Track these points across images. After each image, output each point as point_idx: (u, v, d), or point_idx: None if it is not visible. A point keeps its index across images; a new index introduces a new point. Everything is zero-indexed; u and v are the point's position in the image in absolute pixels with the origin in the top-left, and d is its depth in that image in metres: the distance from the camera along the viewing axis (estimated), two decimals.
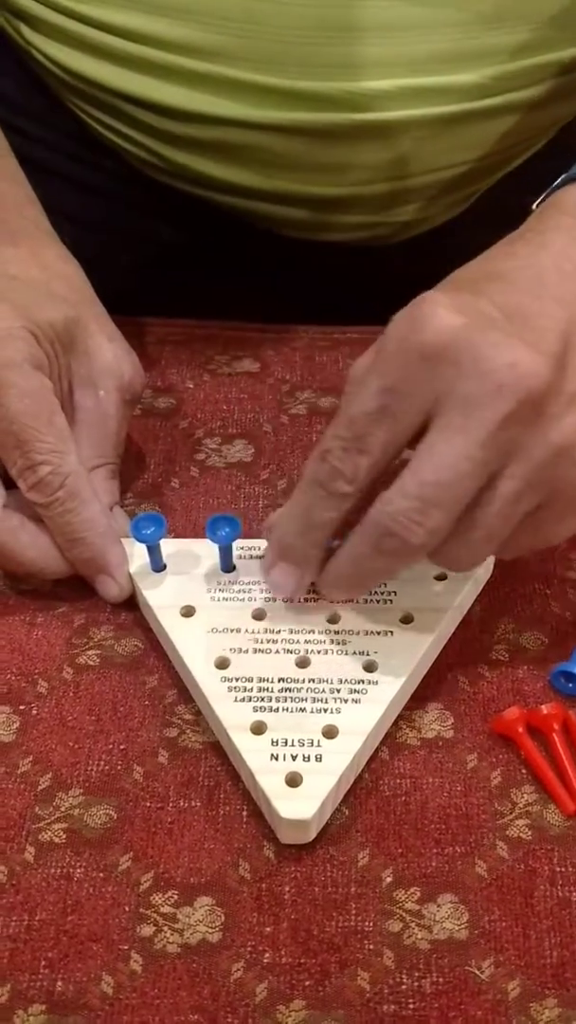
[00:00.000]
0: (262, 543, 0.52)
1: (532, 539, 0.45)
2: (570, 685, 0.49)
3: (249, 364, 0.65)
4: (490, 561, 0.52)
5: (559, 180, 0.52)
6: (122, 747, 0.47)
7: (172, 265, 0.77)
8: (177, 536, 0.55)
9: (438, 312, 0.42)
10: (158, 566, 0.51)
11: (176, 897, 0.43)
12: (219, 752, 0.47)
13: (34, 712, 0.48)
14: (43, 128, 0.74)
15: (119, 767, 0.46)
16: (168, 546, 0.52)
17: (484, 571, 0.52)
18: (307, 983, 0.41)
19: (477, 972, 0.41)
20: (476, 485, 0.43)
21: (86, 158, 0.74)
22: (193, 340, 0.67)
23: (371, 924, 0.42)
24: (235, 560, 0.51)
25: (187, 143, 0.67)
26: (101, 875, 0.43)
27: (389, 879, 0.43)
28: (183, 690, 0.49)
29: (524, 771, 0.46)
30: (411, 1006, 0.40)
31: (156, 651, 0.50)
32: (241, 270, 0.78)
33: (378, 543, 0.44)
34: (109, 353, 0.54)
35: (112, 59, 0.65)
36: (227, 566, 0.51)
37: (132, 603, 0.52)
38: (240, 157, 0.67)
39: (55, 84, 0.71)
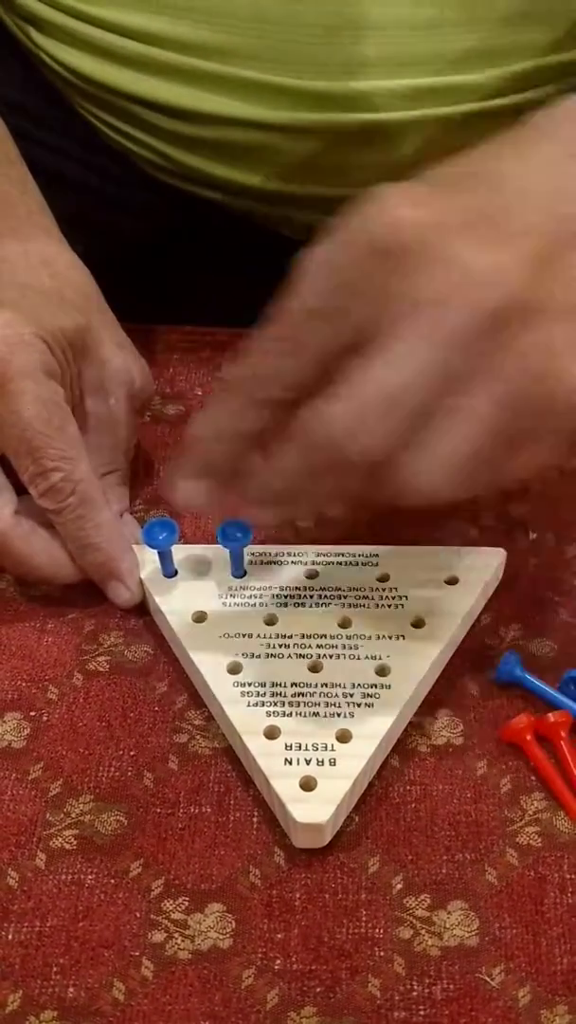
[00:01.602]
0: (273, 548, 0.52)
1: (494, 468, 0.39)
2: None
3: None
4: (499, 567, 0.52)
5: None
6: (132, 753, 0.47)
7: (180, 269, 0.77)
8: (187, 542, 0.55)
9: (402, 204, 0.38)
10: (170, 571, 0.51)
11: (187, 903, 0.43)
12: (229, 758, 0.47)
13: (44, 718, 0.48)
14: (52, 133, 0.74)
15: (129, 773, 0.46)
16: (179, 552, 0.52)
17: (493, 577, 0.52)
18: (318, 990, 0.41)
19: (488, 979, 0.41)
20: (431, 400, 0.37)
21: (95, 163, 0.74)
22: (202, 347, 0.67)
23: (381, 931, 0.42)
24: (246, 565, 0.51)
25: (196, 144, 0.67)
26: (112, 881, 0.43)
27: (399, 886, 0.43)
28: (193, 696, 0.49)
29: (533, 778, 0.46)
30: (421, 1013, 0.40)
31: (166, 657, 0.50)
32: (248, 274, 0.78)
33: (309, 456, 0.38)
34: (119, 360, 0.54)
35: (121, 61, 0.65)
36: (239, 571, 0.51)
37: (142, 609, 0.52)
38: (248, 158, 0.67)
39: (64, 88, 0.71)
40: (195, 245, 0.77)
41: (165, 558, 0.50)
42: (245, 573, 0.51)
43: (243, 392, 0.40)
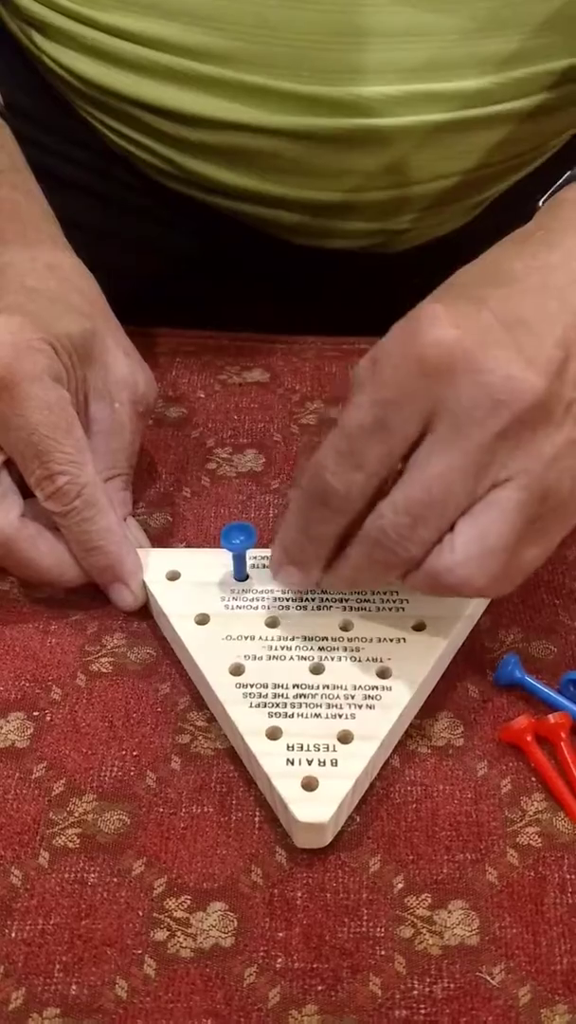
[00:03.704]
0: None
1: (518, 559, 0.44)
2: None
3: (259, 374, 0.65)
4: None
5: (565, 176, 0.53)
6: (135, 753, 0.47)
7: (183, 274, 0.78)
8: (188, 545, 0.55)
9: (436, 324, 0.43)
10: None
11: (189, 902, 0.43)
12: (231, 758, 0.47)
13: (48, 718, 0.49)
14: (56, 138, 0.74)
15: (132, 773, 0.47)
16: (181, 555, 0.53)
17: None
18: (319, 988, 0.41)
19: (488, 978, 0.41)
20: (467, 501, 0.43)
21: (98, 167, 0.75)
22: (204, 351, 0.67)
23: (383, 930, 0.42)
24: (248, 569, 0.52)
25: (198, 148, 0.68)
26: (115, 880, 0.44)
27: (400, 885, 0.44)
28: (195, 697, 0.49)
29: (534, 779, 0.47)
30: (422, 1011, 0.40)
31: (169, 659, 0.51)
32: (250, 278, 0.78)
33: (371, 553, 0.45)
34: (124, 366, 0.54)
35: (125, 65, 0.65)
36: (241, 574, 0.51)
37: (145, 611, 0.52)
38: (249, 162, 0.68)
39: (68, 92, 0.72)
40: (196, 248, 0.77)
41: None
42: (247, 576, 0.51)
43: (318, 503, 0.45)
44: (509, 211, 0.75)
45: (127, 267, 0.75)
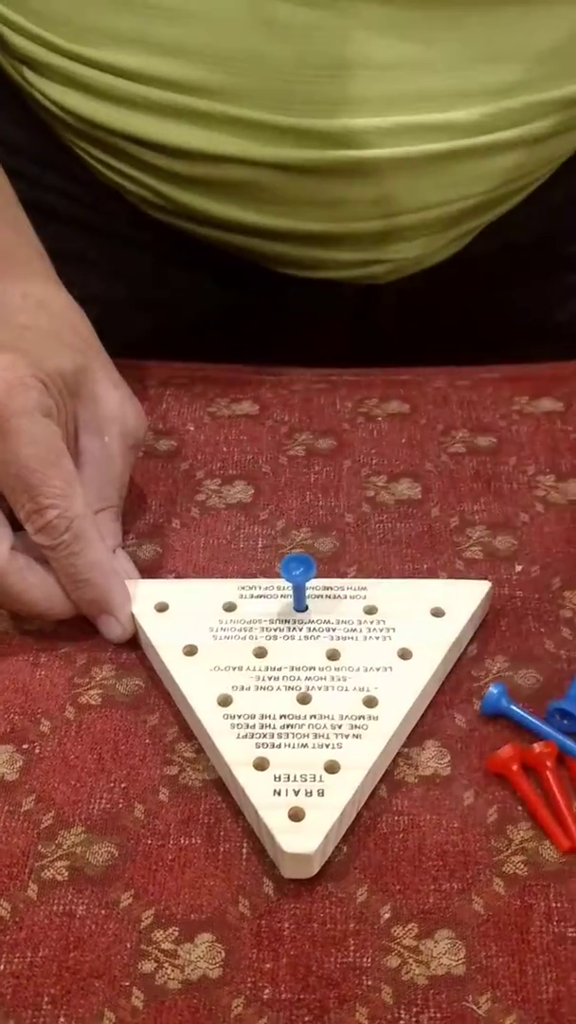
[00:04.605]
0: (263, 582, 0.53)
1: None
2: (564, 722, 0.49)
3: (248, 406, 0.66)
4: (485, 599, 0.53)
5: None
6: (123, 785, 0.48)
7: (173, 304, 0.78)
8: (178, 576, 0.56)
9: None
10: (301, 606, 0.52)
11: (177, 933, 0.43)
12: (219, 789, 0.47)
13: (37, 751, 0.49)
14: (45, 171, 0.75)
15: (120, 805, 0.47)
16: (169, 586, 0.53)
17: (481, 609, 0.53)
18: (306, 1019, 0.41)
19: (475, 1008, 0.41)
20: None
21: (88, 199, 0.75)
22: (194, 383, 0.68)
23: (369, 960, 0.43)
24: (238, 599, 0.52)
25: (189, 181, 0.69)
26: (103, 912, 0.44)
27: (387, 915, 0.44)
28: (183, 728, 0.49)
29: (520, 808, 0.47)
30: None
31: (157, 690, 0.51)
32: (241, 309, 0.79)
33: None
34: (114, 400, 0.55)
35: (115, 100, 0.66)
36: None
37: (134, 643, 0.53)
38: (240, 193, 0.68)
39: (57, 126, 0.72)
40: (186, 279, 0.78)
41: (299, 592, 0.51)
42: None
43: None
44: (497, 238, 0.76)
45: (116, 298, 0.75)
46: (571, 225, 0.79)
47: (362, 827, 0.46)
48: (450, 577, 0.56)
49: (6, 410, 0.49)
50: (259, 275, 0.75)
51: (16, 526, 0.52)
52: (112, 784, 0.48)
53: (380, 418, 0.65)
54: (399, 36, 0.60)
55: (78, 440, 0.54)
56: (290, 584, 0.51)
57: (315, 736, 0.47)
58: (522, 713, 0.49)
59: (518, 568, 0.56)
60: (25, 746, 0.49)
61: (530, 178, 0.75)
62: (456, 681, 0.51)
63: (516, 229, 0.76)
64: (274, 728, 0.47)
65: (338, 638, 0.51)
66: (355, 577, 0.56)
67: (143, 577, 0.55)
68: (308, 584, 0.52)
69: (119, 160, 0.71)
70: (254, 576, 0.56)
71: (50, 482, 0.50)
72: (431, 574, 0.56)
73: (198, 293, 0.78)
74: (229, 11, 0.60)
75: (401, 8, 0.59)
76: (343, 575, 0.56)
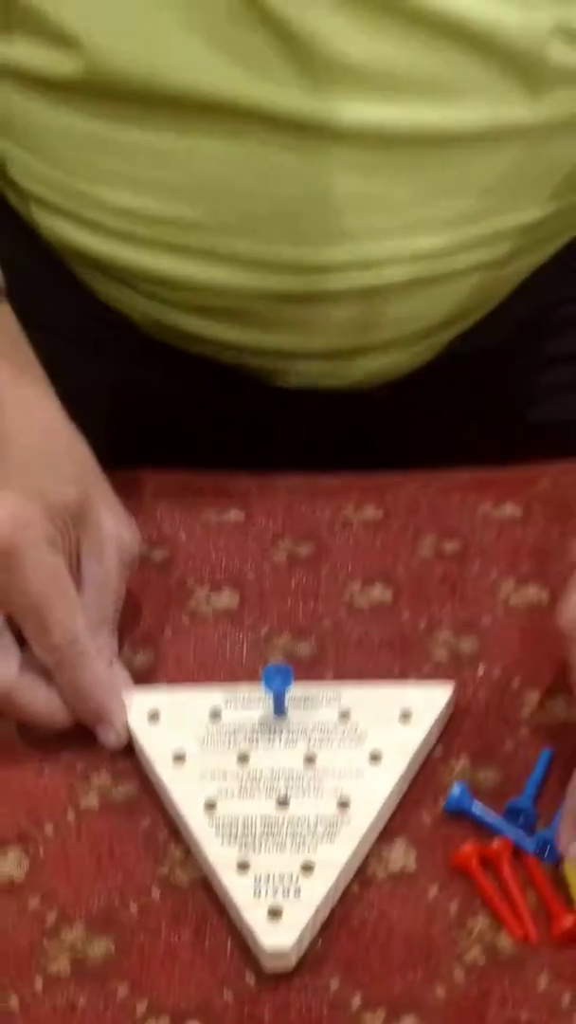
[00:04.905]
0: (246, 691, 0.58)
1: None
2: (521, 819, 0.54)
3: (235, 514, 0.71)
4: (450, 701, 0.58)
5: None
6: (119, 884, 0.53)
7: (165, 414, 0.84)
8: (170, 681, 0.61)
9: None
10: (281, 712, 0.57)
11: (168, 1021, 0.48)
12: (205, 888, 0.52)
13: (42, 853, 0.54)
14: (43, 288, 0.81)
15: (117, 903, 0.52)
16: (161, 695, 0.58)
17: (446, 710, 0.58)
18: None
19: None
20: None
21: (88, 316, 0.81)
22: (186, 492, 0.73)
23: None
24: (223, 706, 0.57)
25: (186, 307, 0.75)
26: (102, 1003, 0.49)
27: (358, 1003, 0.49)
28: (173, 830, 0.54)
29: (479, 901, 0.52)
30: None
31: (149, 794, 0.56)
32: (235, 419, 0.85)
33: None
34: (112, 524, 0.60)
35: (119, 237, 0.72)
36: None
37: (128, 749, 0.58)
38: (237, 319, 0.74)
39: (58, 252, 0.78)
40: (182, 390, 0.84)
41: (279, 700, 0.56)
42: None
43: None
44: (472, 344, 0.82)
45: (108, 405, 0.81)
46: (539, 331, 0.85)
47: (335, 921, 0.51)
48: (419, 678, 0.61)
49: (18, 546, 0.55)
50: (255, 387, 0.81)
51: (22, 642, 0.57)
52: (109, 884, 0.53)
53: (355, 524, 0.70)
54: (367, 175, 0.66)
55: (79, 563, 0.59)
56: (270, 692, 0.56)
57: (292, 837, 0.52)
58: (481, 812, 0.54)
59: (481, 669, 0.61)
60: (31, 848, 0.54)
61: (502, 291, 0.80)
62: (423, 779, 0.56)
63: (487, 336, 0.82)
64: (255, 831, 0.52)
65: (315, 742, 0.56)
66: (332, 679, 0.61)
67: (138, 682, 0.60)
68: (287, 691, 0.57)
69: (115, 286, 0.77)
70: (240, 680, 0.61)
71: (55, 608, 0.55)
72: (401, 675, 0.61)
73: (192, 402, 0.84)
74: (211, 153, 0.66)
75: (367, 150, 0.65)
76: (321, 678, 0.61)
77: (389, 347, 0.77)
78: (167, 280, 0.72)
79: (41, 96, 0.71)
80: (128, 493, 0.64)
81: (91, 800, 0.56)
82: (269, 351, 0.77)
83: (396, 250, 0.69)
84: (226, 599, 0.66)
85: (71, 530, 0.59)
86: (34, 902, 0.52)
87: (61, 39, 0.65)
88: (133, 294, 0.76)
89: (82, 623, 0.56)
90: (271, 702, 0.57)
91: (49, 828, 0.55)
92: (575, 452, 0.77)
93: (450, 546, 0.68)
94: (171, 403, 0.84)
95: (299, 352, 0.77)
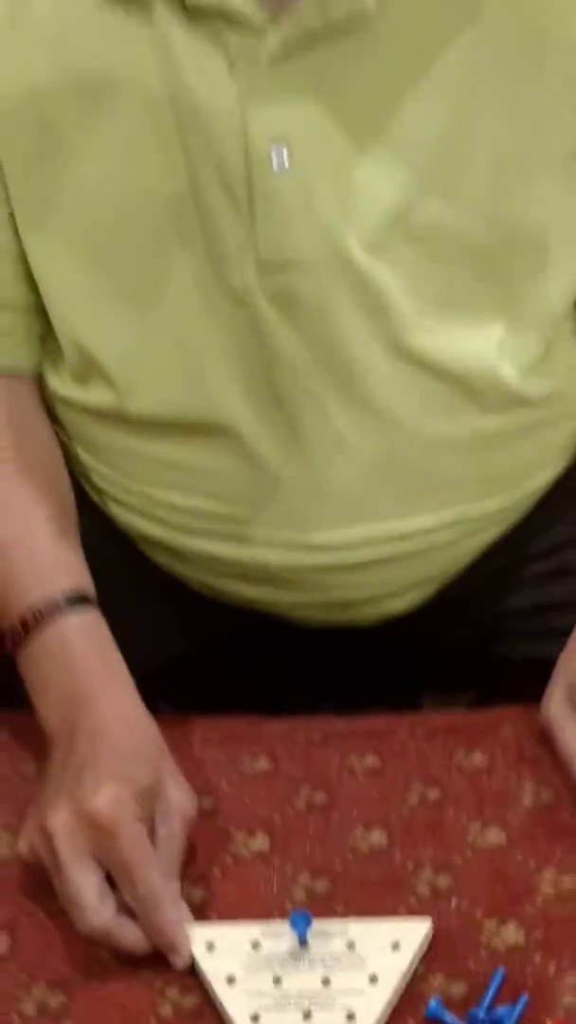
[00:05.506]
0: (282, 927, 0.78)
1: None
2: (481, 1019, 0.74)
3: (265, 763, 0.92)
4: (428, 932, 0.78)
5: None
6: None
7: (200, 664, 1.07)
8: (220, 916, 0.81)
9: None
10: (304, 943, 0.76)
11: None
12: None
13: None
14: (117, 562, 1.02)
15: None
16: (214, 929, 0.79)
17: (426, 939, 0.78)
18: None
19: None
20: None
21: (147, 578, 1.04)
22: (227, 739, 0.94)
23: None
24: (261, 939, 0.78)
25: (224, 574, 0.99)
26: None
27: None
28: None
29: None
30: None
31: (208, 1005, 0.76)
32: (248, 658, 1.08)
33: None
34: (176, 795, 0.82)
35: (168, 526, 0.98)
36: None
37: (191, 969, 0.78)
38: (259, 582, 0.98)
39: (128, 535, 1.02)
40: (221, 633, 1.06)
41: (302, 936, 0.76)
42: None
43: None
44: (463, 584, 1.03)
45: (147, 653, 1.02)
46: (520, 580, 1.06)
47: None
48: (407, 910, 0.81)
49: (116, 824, 0.76)
50: (290, 636, 1.04)
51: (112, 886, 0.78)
52: None
53: (359, 773, 0.91)
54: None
55: (154, 828, 0.80)
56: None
57: None
58: (452, 1020, 0.74)
59: (453, 903, 0.81)
60: None
61: (470, 558, 1.02)
62: (409, 993, 0.76)
63: (470, 578, 1.03)
64: None
65: (329, 968, 0.76)
66: (343, 912, 0.80)
67: (194, 912, 0.80)
68: (314, 927, 0.77)
69: (172, 559, 1.00)
70: (272, 909, 0.81)
71: (140, 866, 0.76)
72: (393, 909, 0.81)
73: (229, 652, 1.06)
74: (235, 470, 0.91)
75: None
76: (333, 912, 0.81)
77: (371, 604, 1.01)
78: (213, 557, 0.96)
79: (114, 429, 0.95)
80: (179, 739, 0.86)
81: (167, 1010, 0.76)
82: (295, 604, 1.00)
83: (384, 532, 0.94)
84: (259, 842, 0.86)
85: (149, 804, 0.80)
86: None
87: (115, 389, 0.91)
88: (185, 563, 1.00)
89: (157, 876, 0.77)
90: (296, 936, 0.77)
91: None
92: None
93: (432, 794, 0.89)
94: (206, 644, 1.07)
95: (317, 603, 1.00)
